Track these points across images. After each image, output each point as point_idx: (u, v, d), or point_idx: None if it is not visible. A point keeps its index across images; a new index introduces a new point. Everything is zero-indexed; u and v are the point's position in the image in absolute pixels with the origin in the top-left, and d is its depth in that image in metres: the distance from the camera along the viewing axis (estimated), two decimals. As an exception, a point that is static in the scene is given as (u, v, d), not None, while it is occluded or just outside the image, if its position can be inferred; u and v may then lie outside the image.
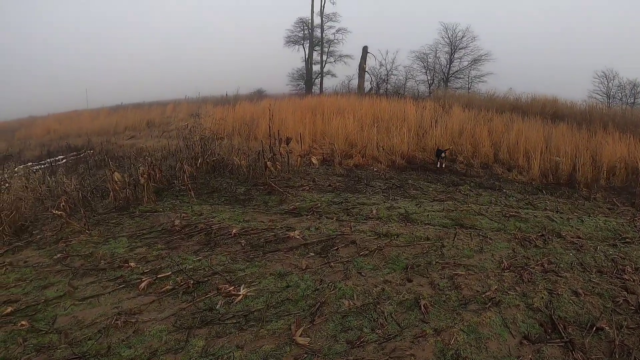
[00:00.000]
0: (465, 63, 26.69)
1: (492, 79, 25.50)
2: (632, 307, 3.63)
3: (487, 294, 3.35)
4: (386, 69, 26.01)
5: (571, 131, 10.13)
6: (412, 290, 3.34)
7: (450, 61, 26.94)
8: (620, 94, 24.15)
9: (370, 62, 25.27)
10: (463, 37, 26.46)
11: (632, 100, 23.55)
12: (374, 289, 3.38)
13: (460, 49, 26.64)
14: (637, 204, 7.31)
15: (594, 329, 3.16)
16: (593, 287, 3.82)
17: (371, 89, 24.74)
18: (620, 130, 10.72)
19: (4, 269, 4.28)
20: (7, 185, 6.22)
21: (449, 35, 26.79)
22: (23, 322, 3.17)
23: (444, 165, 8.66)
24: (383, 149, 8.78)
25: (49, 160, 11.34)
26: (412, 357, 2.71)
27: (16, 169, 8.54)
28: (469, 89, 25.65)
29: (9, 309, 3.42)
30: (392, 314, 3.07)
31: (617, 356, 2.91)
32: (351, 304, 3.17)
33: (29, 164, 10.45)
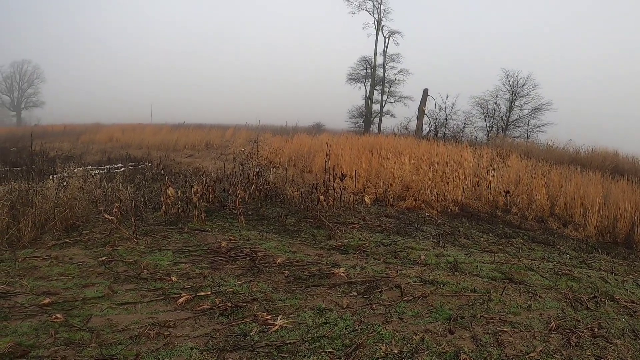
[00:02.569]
0: (526, 111, 26.51)
1: (552, 129, 25.09)
2: None
3: (531, 354, 3.24)
4: (445, 113, 26.22)
5: (631, 187, 9.74)
6: (453, 343, 3.27)
7: (510, 109, 26.76)
8: None
9: (430, 105, 25.51)
10: (524, 84, 26.33)
11: None
12: (414, 337, 3.34)
13: (520, 96, 26.49)
14: None
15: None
16: None
17: (429, 132, 24.85)
18: None
19: (49, 261, 4.54)
20: (65, 183, 6.63)
21: (510, 82, 26.71)
22: (58, 315, 3.34)
23: None
24: (437, 194, 8.78)
25: (108, 166, 12.00)
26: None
27: (75, 170, 9.13)
28: (527, 138, 25.30)
29: (47, 300, 3.62)
30: (428, 365, 3.01)
31: None
32: (388, 349, 3.14)
33: (89, 167, 11.18)
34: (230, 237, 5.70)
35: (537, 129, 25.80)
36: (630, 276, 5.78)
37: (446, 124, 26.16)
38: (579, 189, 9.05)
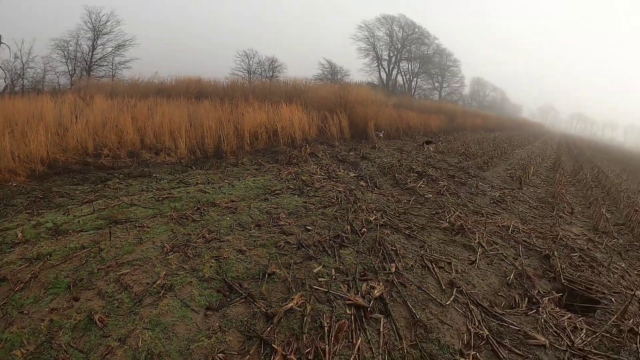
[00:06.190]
0: (109, 49, 25.69)
1: (137, 64, 25.33)
2: (294, 245, 4.33)
3: (158, 282, 3.38)
4: (22, 62, 22.09)
5: (214, 107, 11.10)
6: (83, 309, 3.07)
7: (93, 48, 25.26)
8: (260, 70, 28.44)
9: (4, 55, 20.88)
10: (107, 21, 25.20)
11: (271, 74, 28.18)
12: (42, 324, 2.96)
13: (104, 34, 25.34)
14: (280, 160, 8.77)
15: (267, 275, 3.62)
16: (255, 241, 4.34)
17: (6, 87, 20.52)
18: (259, 101, 12.55)
19: None
20: None
21: (93, 19, 24.94)
22: None
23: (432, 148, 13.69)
24: (19, 158, 7.50)
25: None
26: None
27: None
28: (113, 76, 24.83)
29: None
30: (70, 342, 2.76)
31: (293, 289, 3.44)
32: (25, 351, 2.70)
33: None
34: None
35: (122, 65, 25.76)
36: (226, 181, 6.67)
37: (24, 74, 22.36)
38: (165, 116, 9.53)
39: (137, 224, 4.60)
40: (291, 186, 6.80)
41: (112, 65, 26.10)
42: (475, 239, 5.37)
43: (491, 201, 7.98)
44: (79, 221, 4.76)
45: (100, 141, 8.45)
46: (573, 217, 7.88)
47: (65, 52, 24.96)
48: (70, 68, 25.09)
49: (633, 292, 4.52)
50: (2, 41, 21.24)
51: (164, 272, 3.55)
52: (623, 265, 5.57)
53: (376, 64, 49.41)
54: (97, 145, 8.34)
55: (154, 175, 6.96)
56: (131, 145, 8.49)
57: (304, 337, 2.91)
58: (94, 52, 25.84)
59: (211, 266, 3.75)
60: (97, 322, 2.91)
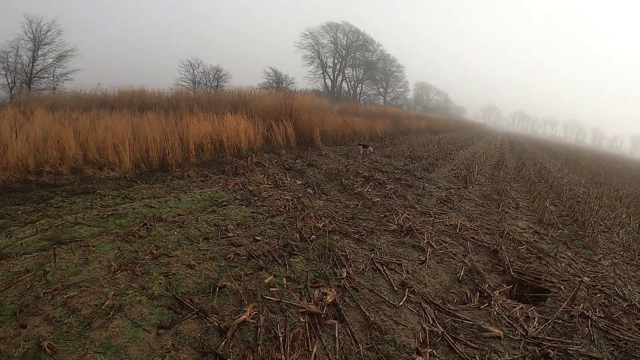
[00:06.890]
0: (50, 60, 24.53)
1: (78, 75, 24.43)
2: (244, 257, 4.30)
3: (106, 303, 3.26)
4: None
5: (158, 119, 10.82)
6: (31, 336, 2.90)
7: (34, 59, 23.99)
8: (205, 79, 28.04)
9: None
10: (49, 30, 24.06)
11: (216, 84, 27.79)
12: (-18, 361, 2.76)
13: (45, 44, 24.13)
14: (227, 171, 8.67)
15: (217, 289, 3.59)
16: (204, 255, 4.27)
17: None
18: (204, 111, 12.34)
19: None
20: None
21: (33, 29, 23.73)
22: None
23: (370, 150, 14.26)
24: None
25: None
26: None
27: None
28: (54, 89, 23.71)
29: None
30: (17, 374, 2.57)
31: (245, 301, 3.42)
32: None
33: None
34: None
35: (64, 77, 24.73)
36: (172, 194, 6.52)
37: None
38: (108, 130, 9.17)
39: (82, 244, 4.41)
40: (238, 197, 6.77)
41: (53, 77, 25.06)
42: (424, 239, 5.54)
43: (438, 201, 8.24)
44: (21, 243, 4.50)
45: (41, 157, 8.01)
46: (518, 212, 8.27)
47: (5, 64, 23.70)
48: (10, 80, 23.82)
49: (581, 279, 4.81)
50: None
51: (112, 292, 3.43)
52: (569, 254, 5.91)
53: (321, 71, 50.38)
54: (38, 162, 7.91)
55: (98, 191, 6.68)
56: (73, 160, 8.12)
57: (259, 348, 2.90)
58: (35, 64, 24.68)
59: (160, 283, 3.66)
60: (47, 349, 2.76)
